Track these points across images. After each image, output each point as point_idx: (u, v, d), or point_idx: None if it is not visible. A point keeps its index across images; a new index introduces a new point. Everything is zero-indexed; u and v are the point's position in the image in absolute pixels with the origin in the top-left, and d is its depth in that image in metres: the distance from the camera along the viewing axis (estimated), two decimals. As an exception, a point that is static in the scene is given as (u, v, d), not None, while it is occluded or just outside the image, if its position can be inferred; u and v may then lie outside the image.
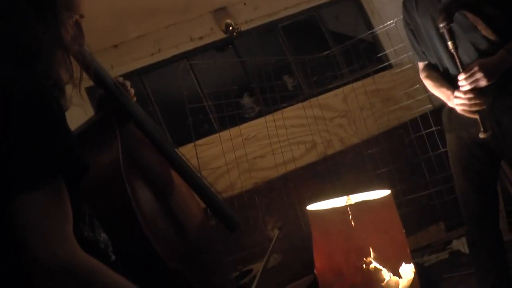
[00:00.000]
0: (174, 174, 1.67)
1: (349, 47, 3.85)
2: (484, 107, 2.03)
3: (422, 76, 2.37)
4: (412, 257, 2.83)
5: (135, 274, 1.23)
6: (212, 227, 1.90)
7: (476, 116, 2.04)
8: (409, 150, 3.81)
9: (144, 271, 1.31)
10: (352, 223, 2.01)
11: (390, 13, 3.83)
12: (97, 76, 1.42)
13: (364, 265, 2.02)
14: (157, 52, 3.96)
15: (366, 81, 3.88)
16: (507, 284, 2.36)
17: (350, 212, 2.02)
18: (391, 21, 3.52)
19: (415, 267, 2.45)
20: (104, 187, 1.32)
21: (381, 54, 4.13)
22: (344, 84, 3.90)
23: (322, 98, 3.89)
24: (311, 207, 2.31)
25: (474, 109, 2.03)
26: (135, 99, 1.57)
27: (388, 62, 4.09)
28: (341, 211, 2.10)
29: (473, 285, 3.01)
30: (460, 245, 3.53)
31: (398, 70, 3.99)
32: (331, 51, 4.05)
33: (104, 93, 1.50)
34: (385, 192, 2.21)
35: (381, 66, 3.97)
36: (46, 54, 0.99)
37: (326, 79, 4.06)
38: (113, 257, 1.11)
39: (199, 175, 1.65)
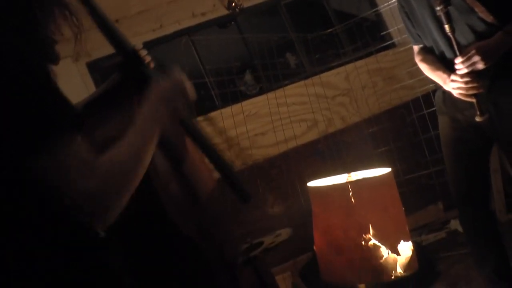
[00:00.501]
0: (188, 142, 1.65)
1: (352, 26, 3.82)
2: (481, 90, 2.02)
3: (417, 59, 2.36)
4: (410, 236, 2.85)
5: (146, 243, 1.28)
6: (224, 200, 1.91)
7: (473, 100, 2.03)
8: (410, 129, 3.82)
9: (155, 239, 1.31)
10: (352, 200, 2.03)
11: (394, -9, 3.79)
12: (117, 40, 1.35)
13: (363, 242, 2.04)
14: (159, 28, 3.93)
15: (369, 59, 3.86)
16: (507, 266, 2.38)
17: (350, 189, 2.04)
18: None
19: (413, 246, 2.48)
20: None
21: (384, 33, 4.10)
22: (347, 63, 3.88)
23: (324, 76, 3.87)
24: (312, 183, 2.32)
25: (471, 92, 2.03)
26: (152, 66, 1.56)
27: (391, 41, 4.06)
28: (342, 187, 2.12)
29: (470, 264, 3.05)
30: (458, 224, 3.55)
31: (401, 49, 3.96)
32: (334, 29, 4.02)
33: (123, 59, 1.44)
34: (386, 170, 2.22)
35: (384, 44, 3.95)
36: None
37: (328, 57, 4.03)
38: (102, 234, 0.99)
39: (213, 144, 1.62)
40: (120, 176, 0.86)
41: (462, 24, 2.07)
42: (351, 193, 2.05)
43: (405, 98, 3.88)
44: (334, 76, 3.91)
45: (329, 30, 4.00)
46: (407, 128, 3.84)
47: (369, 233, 2.03)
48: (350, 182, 2.16)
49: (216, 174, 1.62)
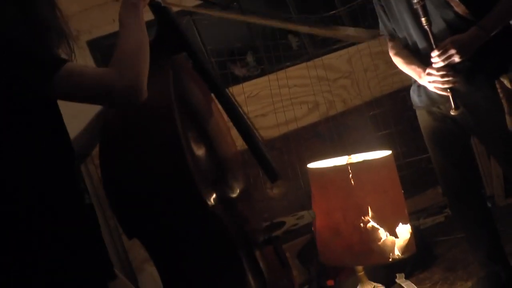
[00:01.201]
0: (216, 113, 1.63)
1: (355, 8, 3.79)
2: (456, 84, 2.03)
3: (391, 53, 2.36)
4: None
5: (169, 217, 1.31)
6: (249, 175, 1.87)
7: (448, 93, 2.04)
8: (411, 113, 3.79)
9: (181, 213, 1.31)
10: (352, 181, 2.04)
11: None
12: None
13: (361, 224, 2.07)
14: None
15: (372, 42, 3.83)
16: (500, 250, 2.41)
17: (350, 171, 2.06)
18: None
19: (412, 229, 2.51)
20: (153, 115, 1.30)
21: (388, 16, 4.06)
22: (349, 45, 3.86)
23: (326, 58, 3.85)
24: (312, 165, 2.34)
25: (446, 86, 2.05)
26: None
27: (395, 24, 4.03)
28: (342, 169, 2.14)
29: (467, 248, 3.07)
30: (457, 209, 3.57)
31: (404, 32, 3.94)
32: (337, 11, 3.98)
33: (157, 19, 1.47)
34: (386, 153, 2.23)
35: (387, 27, 3.91)
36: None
37: (330, 40, 4.00)
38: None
39: (246, 118, 1.60)
40: (127, 66, 1.13)
41: (438, 18, 2.08)
42: (350, 175, 2.06)
43: (406, 81, 3.82)
44: (336, 59, 3.89)
45: (332, 12, 3.96)
46: (408, 112, 3.82)
47: (368, 216, 2.05)
48: (350, 164, 2.18)
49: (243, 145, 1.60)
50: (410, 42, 2.23)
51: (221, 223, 1.34)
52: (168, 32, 1.45)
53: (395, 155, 3.53)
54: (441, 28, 2.08)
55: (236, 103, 1.58)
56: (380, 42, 3.85)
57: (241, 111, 1.58)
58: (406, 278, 2.84)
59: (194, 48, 1.51)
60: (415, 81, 2.28)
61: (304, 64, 3.76)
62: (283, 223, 1.57)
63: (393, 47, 2.36)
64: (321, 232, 2.23)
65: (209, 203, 1.31)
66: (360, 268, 2.22)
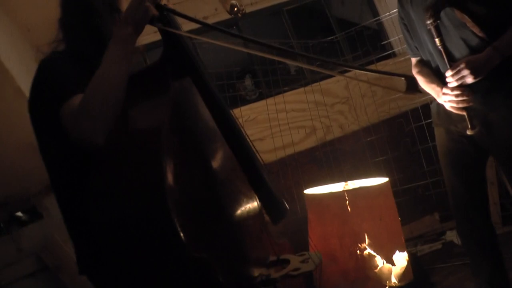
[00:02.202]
0: (223, 147, 1.47)
1: (353, 34, 3.83)
2: (471, 104, 2.03)
3: (414, 71, 2.38)
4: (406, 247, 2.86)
5: (146, 262, 1.15)
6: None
7: (464, 113, 2.05)
8: (408, 140, 3.82)
9: (160, 258, 1.15)
10: (349, 208, 2.04)
11: (396, 0, 3.80)
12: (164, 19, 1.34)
13: (358, 251, 2.05)
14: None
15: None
16: (503, 277, 2.38)
17: (347, 198, 2.05)
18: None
19: (408, 256, 2.50)
20: (138, 151, 1.18)
21: (385, 42, 4.11)
22: (347, 71, 3.89)
23: (324, 83, 3.87)
24: (309, 191, 2.33)
25: (461, 105, 2.04)
26: None
27: (392, 50, 4.07)
28: (338, 195, 2.13)
29: (464, 276, 3.05)
30: (454, 236, 3.55)
31: (402, 58, 3.97)
32: (335, 37, 4.03)
33: (165, 39, 1.38)
34: (383, 180, 2.23)
35: (384, 54, 3.95)
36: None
37: (329, 65, 4.04)
38: None
39: (254, 150, 1.46)
40: (85, 115, 1.18)
41: (457, 38, 2.08)
42: (347, 202, 2.06)
43: (403, 108, 3.88)
44: (333, 84, 3.91)
45: (330, 38, 4.01)
46: (405, 138, 3.84)
47: (365, 243, 2.04)
48: (347, 191, 2.17)
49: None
50: (431, 61, 2.25)
51: (210, 268, 1.17)
52: (174, 53, 1.36)
53: (391, 181, 3.53)
54: (460, 48, 2.08)
55: (242, 132, 1.47)
56: (378, 68, 3.88)
57: (247, 139, 1.47)
58: (403, 305, 2.81)
59: (200, 70, 1.40)
60: (435, 99, 2.29)
61: (302, 89, 3.79)
62: (288, 261, 1.47)
63: (415, 66, 2.38)
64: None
65: (194, 251, 1.13)
66: None
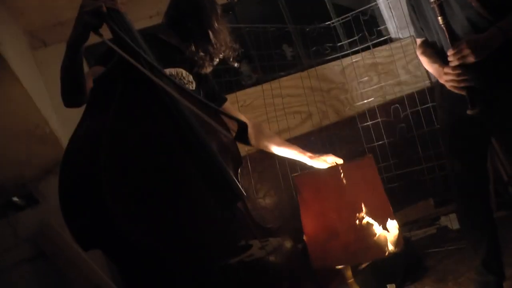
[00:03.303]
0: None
1: (350, 19, 3.82)
2: (472, 83, 2.03)
3: (418, 52, 2.37)
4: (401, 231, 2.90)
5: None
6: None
7: (464, 93, 2.04)
8: (404, 125, 3.83)
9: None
10: (344, 181, 2.07)
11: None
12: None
13: (357, 221, 2.08)
14: (156, 14, 3.91)
15: (365, 54, 3.86)
16: (497, 261, 2.41)
17: (341, 171, 2.08)
18: (394, -6, 3.49)
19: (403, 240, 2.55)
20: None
21: (381, 28, 4.10)
22: (343, 56, 3.88)
23: (320, 69, 3.87)
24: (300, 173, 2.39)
25: (462, 85, 2.03)
26: None
27: (388, 36, 4.07)
28: (334, 170, 2.16)
29: (458, 259, 3.08)
30: (448, 221, 3.58)
31: (398, 44, 3.97)
32: (331, 22, 4.01)
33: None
34: (368, 156, 2.30)
35: (381, 39, 3.95)
36: None
37: (325, 50, 4.03)
38: None
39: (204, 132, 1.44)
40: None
41: (463, 18, 2.07)
42: (342, 175, 2.08)
43: (399, 93, 3.89)
44: (330, 70, 3.91)
45: (326, 23, 3.99)
46: (401, 124, 3.85)
47: (362, 212, 2.07)
48: (341, 165, 2.22)
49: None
50: (437, 42, 2.24)
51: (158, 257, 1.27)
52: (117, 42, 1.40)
53: (387, 166, 3.56)
54: (465, 28, 2.07)
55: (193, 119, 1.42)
56: (374, 54, 3.88)
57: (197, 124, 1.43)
58: (397, 289, 2.85)
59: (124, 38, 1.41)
60: (438, 81, 2.29)
61: (298, 74, 3.78)
62: (249, 246, 1.44)
63: (419, 47, 2.36)
64: (315, 237, 2.24)
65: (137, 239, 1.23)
66: (349, 274, 2.25)
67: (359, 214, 2.08)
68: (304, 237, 2.28)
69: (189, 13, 1.97)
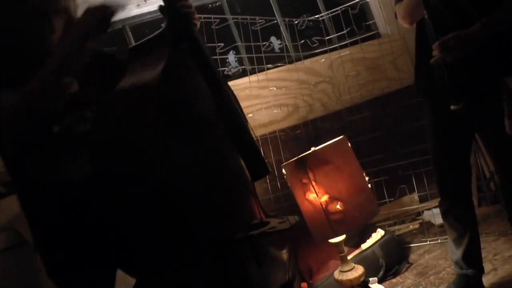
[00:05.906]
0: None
1: (339, 13, 3.81)
2: (452, 60, 2.01)
3: (397, 11, 2.30)
4: (384, 226, 3.04)
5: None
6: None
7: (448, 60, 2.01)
8: (390, 120, 3.84)
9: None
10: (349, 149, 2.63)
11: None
12: None
13: (344, 192, 2.49)
14: (144, 2, 3.86)
15: (354, 48, 3.86)
16: (476, 255, 2.44)
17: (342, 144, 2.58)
18: (383, -11, 3.48)
19: (386, 234, 2.72)
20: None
21: (370, 22, 4.10)
22: (331, 50, 3.87)
23: (308, 62, 3.86)
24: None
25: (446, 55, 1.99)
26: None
27: (377, 31, 4.07)
28: (337, 144, 2.63)
29: (440, 254, 3.11)
30: (431, 216, 3.61)
31: (387, 40, 3.98)
32: (320, 16, 4.00)
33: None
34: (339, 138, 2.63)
35: (369, 34, 3.94)
36: None
37: (313, 44, 4.02)
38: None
39: (241, 112, 1.58)
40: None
41: (449, 13, 2.08)
42: (349, 144, 2.60)
43: (387, 89, 3.90)
44: (317, 63, 3.90)
45: (315, 16, 3.98)
46: (387, 119, 3.86)
47: (365, 179, 2.56)
48: (319, 149, 2.53)
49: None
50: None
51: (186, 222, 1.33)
52: (175, 23, 1.49)
53: (372, 161, 3.56)
54: (452, 23, 2.06)
55: (235, 103, 1.57)
56: (362, 49, 3.88)
57: (240, 110, 1.58)
58: (379, 282, 2.87)
59: (199, 40, 1.52)
60: (421, 71, 2.27)
61: (285, 67, 3.77)
62: (267, 223, 1.53)
63: (397, 7, 2.30)
64: (312, 214, 2.48)
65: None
66: (342, 249, 2.51)
67: (358, 180, 2.50)
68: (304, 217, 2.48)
69: None
